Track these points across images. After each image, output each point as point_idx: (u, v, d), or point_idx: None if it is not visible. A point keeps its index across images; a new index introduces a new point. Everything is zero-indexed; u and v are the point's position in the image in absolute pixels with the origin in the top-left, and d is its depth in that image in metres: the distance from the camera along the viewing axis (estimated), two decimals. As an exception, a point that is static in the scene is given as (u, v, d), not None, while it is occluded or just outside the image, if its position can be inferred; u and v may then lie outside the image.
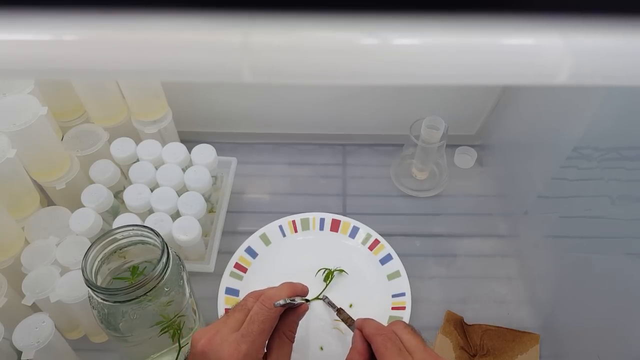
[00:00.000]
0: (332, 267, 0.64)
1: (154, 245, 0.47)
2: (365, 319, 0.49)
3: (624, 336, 0.50)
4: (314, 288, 0.63)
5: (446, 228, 0.71)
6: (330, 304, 0.60)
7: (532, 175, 0.67)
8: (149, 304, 0.46)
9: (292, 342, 0.47)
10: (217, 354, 0.41)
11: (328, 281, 0.63)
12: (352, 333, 0.60)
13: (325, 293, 0.62)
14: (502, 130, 0.76)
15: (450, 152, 0.78)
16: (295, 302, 0.47)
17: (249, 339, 0.42)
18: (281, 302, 0.45)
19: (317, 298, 0.61)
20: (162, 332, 0.48)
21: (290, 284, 0.50)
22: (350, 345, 0.49)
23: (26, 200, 0.59)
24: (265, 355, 0.45)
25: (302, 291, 0.51)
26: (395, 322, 0.47)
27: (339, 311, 0.58)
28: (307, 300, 0.53)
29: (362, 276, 0.65)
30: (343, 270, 0.64)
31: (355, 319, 0.55)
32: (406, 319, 0.60)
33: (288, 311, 0.48)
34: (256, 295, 0.46)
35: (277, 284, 0.51)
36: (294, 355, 0.49)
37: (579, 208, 0.57)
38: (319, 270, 0.64)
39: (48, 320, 0.49)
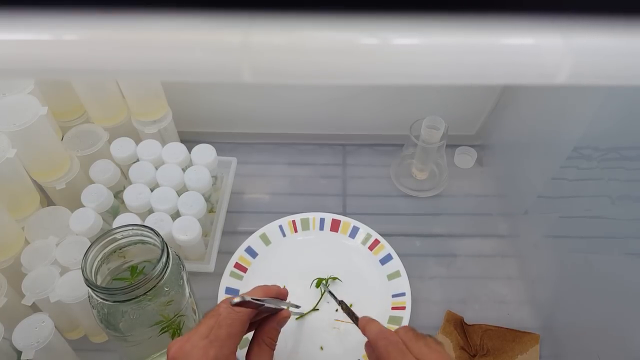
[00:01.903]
0: (329, 273, 0.64)
1: (154, 245, 0.47)
2: (368, 321, 0.47)
3: (624, 336, 0.50)
4: (314, 289, 0.63)
5: (446, 228, 0.71)
6: (334, 298, 0.59)
7: (532, 175, 0.67)
8: (149, 304, 0.46)
9: (273, 349, 0.46)
10: None
11: (323, 292, 0.63)
12: (351, 333, 0.60)
13: (313, 296, 0.62)
14: (502, 130, 0.76)
15: (450, 152, 0.78)
16: (261, 303, 0.44)
17: (217, 344, 0.41)
18: (237, 299, 0.42)
19: (314, 309, 0.61)
20: (162, 331, 0.48)
21: (264, 286, 0.49)
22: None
23: (26, 200, 0.59)
24: None
25: (278, 293, 0.50)
26: (400, 328, 0.46)
27: (342, 305, 0.56)
28: (297, 306, 0.52)
29: (362, 276, 0.65)
30: (337, 278, 0.64)
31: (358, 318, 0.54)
32: (406, 319, 0.60)
33: (268, 318, 0.47)
34: (227, 302, 0.46)
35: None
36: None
37: (579, 208, 0.57)
38: (313, 281, 0.63)
39: (48, 320, 0.49)
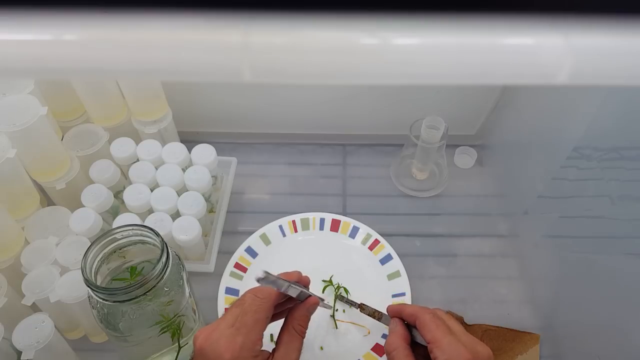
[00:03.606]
0: (329, 273, 0.63)
1: (154, 245, 0.47)
2: (399, 304, 0.49)
3: (624, 336, 0.50)
4: (315, 290, 0.63)
5: (446, 228, 0.71)
6: (350, 302, 0.59)
7: (532, 175, 0.67)
8: (149, 304, 0.45)
9: (303, 337, 0.47)
10: (214, 349, 0.41)
11: (336, 295, 0.62)
12: (352, 333, 0.60)
13: (325, 295, 0.62)
14: (502, 130, 0.76)
15: (450, 152, 0.78)
16: (284, 282, 0.44)
17: (243, 331, 0.42)
18: (261, 274, 0.41)
19: (333, 312, 0.61)
20: (162, 332, 0.48)
21: (285, 273, 0.50)
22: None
23: (26, 200, 0.59)
24: (274, 351, 0.45)
25: (299, 279, 0.50)
26: (436, 309, 0.48)
27: (362, 307, 0.56)
28: (322, 299, 0.52)
29: (362, 276, 0.65)
30: (344, 287, 0.62)
31: (382, 311, 0.54)
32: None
33: (296, 305, 0.48)
34: (251, 290, 0.46)
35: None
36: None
37: (579, 208, 0.57)
38: (325, 287, 0.63)
39: (48, 320, 0.49)
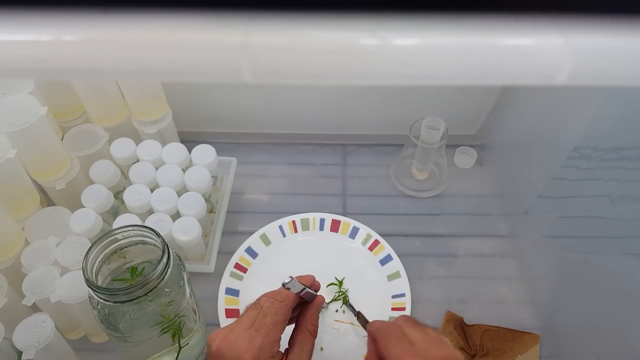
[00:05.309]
0: (329, 274, 0.64)
1: (155, 245, 0.47)
2: (372, 322, 0.49)
3: (624, 336, 0.50)
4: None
5: (446, 228, 0.71)
6: (351, 308, 0.60)
7: (532, 175, 0.67)
8: (150, 304, 0.46)
9: (315, 336, 0.47)
10: (232, 350, 0.41)
11: (343, 300, 0.62)
12: (351, 334, 0.60)
13: (326, 295, 0.62)
14: (502, 130, 0.76)
15: (450, 152, 0.78)
16: (303, 287, 0.47)
17: (263, 332, 0.42)
18: (288, 279, 0.45)
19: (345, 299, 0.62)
20: (163, 332, 0.48)
21: (300, 276, 0.50)
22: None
23: (26, 200, 0.59)
24: (287, 351, 0.46)
25: (313, 283, 0.51)
26: (399, 317, 0.47)
27: (358, 315, 0.58)
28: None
29: (362, 277, 0.65)
30: (345, 293, 0.63)
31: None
32: (406, 319, 0.60)
33: (306, 306, 0.49)
34: (269, 295, 0.47)
35: (278, 285, 0.51)
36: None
37: (579, 208, 0.57)
38: (329, 284, 0.63)
39: (48, 321, 0.49)
